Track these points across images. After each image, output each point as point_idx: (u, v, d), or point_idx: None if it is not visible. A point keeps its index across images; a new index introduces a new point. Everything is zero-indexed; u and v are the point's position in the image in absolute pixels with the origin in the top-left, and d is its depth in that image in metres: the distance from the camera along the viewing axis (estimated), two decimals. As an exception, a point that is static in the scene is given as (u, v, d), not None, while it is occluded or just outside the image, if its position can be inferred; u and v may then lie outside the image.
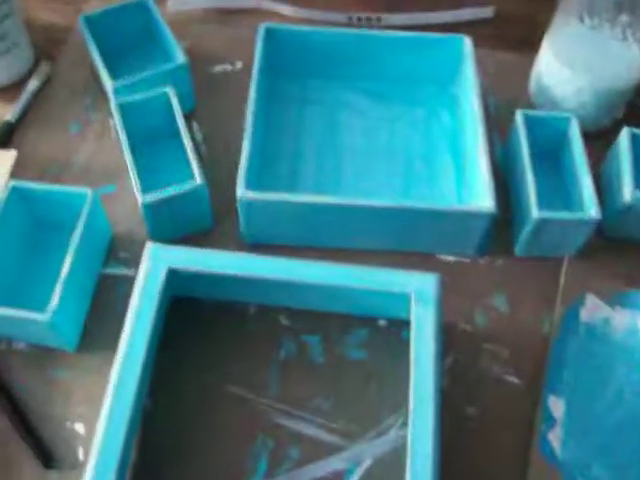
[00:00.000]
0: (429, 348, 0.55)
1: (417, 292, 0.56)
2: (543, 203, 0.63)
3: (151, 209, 0.63)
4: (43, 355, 0.61)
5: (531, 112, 0.68)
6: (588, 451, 0.58)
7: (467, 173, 0.69)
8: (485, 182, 0.63)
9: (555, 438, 0.58)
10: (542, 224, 0.62)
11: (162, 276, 0.57)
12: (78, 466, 0.56)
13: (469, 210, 0.63)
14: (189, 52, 0.78)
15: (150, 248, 0.58)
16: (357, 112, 0.76)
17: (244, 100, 0.69)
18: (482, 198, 0.63)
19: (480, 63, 0.73)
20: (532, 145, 0.67)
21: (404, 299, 0.57)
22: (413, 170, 0.71)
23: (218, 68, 0.80)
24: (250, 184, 0.63)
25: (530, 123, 0.67)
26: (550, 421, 0.58)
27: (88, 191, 0.62)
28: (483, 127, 0.67)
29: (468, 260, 0.67)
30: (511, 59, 0.82)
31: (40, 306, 0.58)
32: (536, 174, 0.65)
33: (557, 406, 0.59)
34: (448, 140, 0.73)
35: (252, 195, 0.62)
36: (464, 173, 0.70)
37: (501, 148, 0.74)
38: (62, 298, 0.57)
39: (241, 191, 0.61)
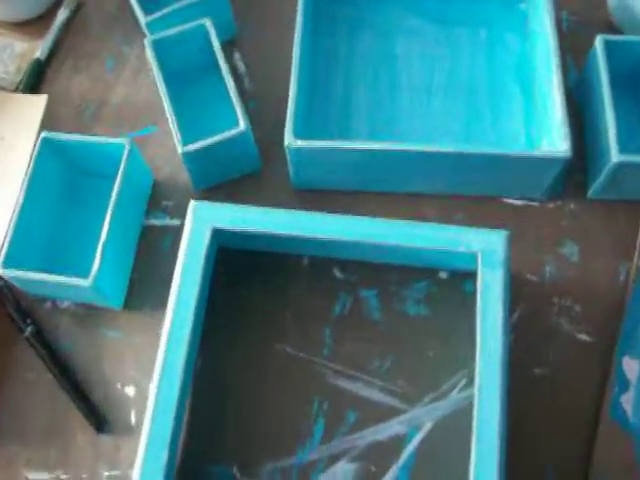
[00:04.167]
0: (497, 311, 0.50)
1: (484, 252, 0.51)
2: (624, 144, 0.56)
3: (192, 158, 0.58)
4: (90, 314, 0.59)
5: (613, 37, 0.60)
6: (664, 416, 0.54)
7: (537, 107, 0.62)
8: (559, 121, 0.57)
9: (628, 402, 0.54)
10: (622, 168, 0.56)
11: (208, 235, 0.53)
12: (131, 430, 0.56)
13: (541, 156, 0.56)
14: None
15: (193, 206, 0.54)
16: (414, 36, 0.68)
17: (289, 23, 0.63)
18: (555, 139, 0.57)
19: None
20: (612, 73, 0.59)
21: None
22: (476, 104, 0.65)
23: (260, -11, 0.73)
24: (298, 129, 0.57)
25: (611, 49, 0.59)
26: (623, 384, 0.55)
27: (125, 142, 0.57)
28: (557, 54, 0.60)
29: (537, 204, 0.62)
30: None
31: (83, 264, 0.56)
32: (616, 109, 0.58)
33: (631, 368, 0.55)
34: (515, 68, 0.66)
35: (301, 143, 0.56)
36: (534, 107, 0.63)
37: (575, 75, 0.67)
38: (104, 259, 0.54)
39: (289, 139, 0.56)
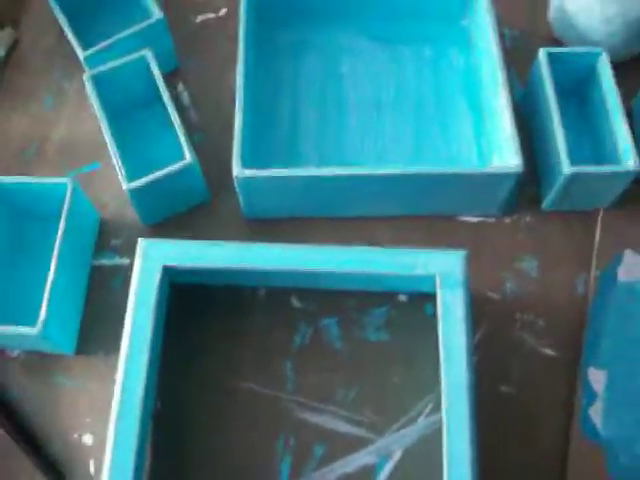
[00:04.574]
0: (459, 332, 0.49)
1: (443, 274, 0.51)
2: (574, 155, 0.56)
3: (138, 193, 0.57)
4: (41, 362, 0.57)
5: (555, 49, 0.60)
6: (632, 426, 0.53)
7: (486, 123, 0.62)
8: (509, 136, 0.56)
9: (596, 413, 0.54)
10: (574, 179, 0.56)
11: (158, 274, 0.52)
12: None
13: (493, 172, 0.56)
14: (166, 1, 0.70)
15: (142, 245, 0.52)
16: (359, 58, 0.67)
17: (232, 52, 0.62)
18: (506, 154, 0.57)
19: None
20: (557, 85, 0.59)
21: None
22: (425, 121, 0.64)
23: (200, 17, 0.72)
24: (246, 158, 0.56)
25: (554, 61, 0.60)
26: (591, 395, 0.54)
27: (68, 182, 0.55)
28: (502, 68, 0.59)
29: (493, 219, 0.61)
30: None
31: (30, 311, 0.53)
32: (563, 120, 0.57)
33: (598, 379, 0.55)
34: (462, 84, 0.66)
35: (249, 173, 0.55)
36: (483, 123, 0.63)
37: (520, 89, 0.67)
38: (51, 306, 0.52)
39: (237, 170, 0.55)
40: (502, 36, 0.68)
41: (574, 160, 0.56)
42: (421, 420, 0.54)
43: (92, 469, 0.54)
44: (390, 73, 0.67)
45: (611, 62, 0.60)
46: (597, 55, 0.60)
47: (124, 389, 0.49)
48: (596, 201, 0.60)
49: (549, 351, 0.56)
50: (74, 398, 0.56)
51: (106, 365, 0.56)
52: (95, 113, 0.60)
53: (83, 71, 0.63)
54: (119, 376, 0.49)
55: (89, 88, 0.60)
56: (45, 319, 0.51)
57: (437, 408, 0.53)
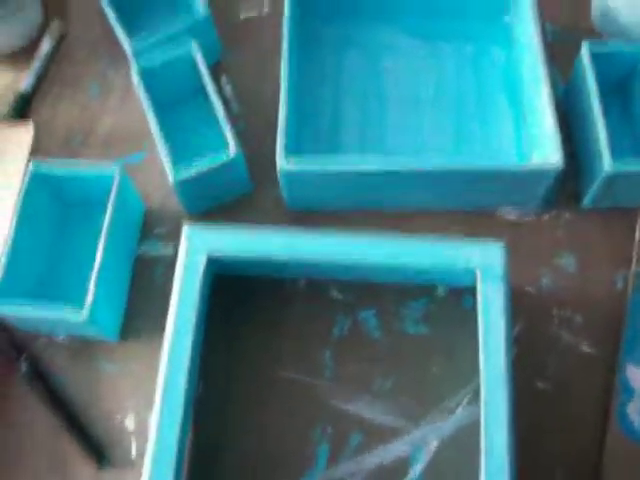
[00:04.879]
0: (499, 325, 0.50)
1: (483, 267, 0.51)
2: (615, 152, 0.56)
3: (184, 185, 0.58)
4: (86, 347, 0.58)
5: (598, 45, 0.60)
6: (671, 424, 0.54)
7: (527, 119, 0.62)
8: (550, 132, 0.57)
9: (634, 411, 0.54)
10: (615, 177, 0.56)
11: (202, 261, 0.53)
12: (132, 463, 0.54)
13: (533, 168, 0.56)
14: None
15: (187, 231, 0.53)
16: (400, 54, 0.68)
17: (275, 47, 0.63)
18: (547, 150, 0.57)
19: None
20: (599, 81, 0.59)
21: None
22: (465, 118, 0.64)
23: (244, 15, 0.73)
24: (290, 149, 0.57)
25: (597, 57, 0.60)
26: (628, 393, 0.54)
27: (115, 169, 0.57)
28: (544, 64, 0.59)
29: (531, 216, 0.62)
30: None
31: (76, 297, 0.55)
32: (606, 117, 0.58)
33: (636, 376, 0.55)
34: (502, 80, 0.66)
35: (293, 165, 0.56)
36: (523, 119, 0.63)
37: (562, 85, 0.67)
38: (98, 291, 0.53)
39: (281, 161, 0.56)
40: (543, 31, 0.68)
41: (616, 157, 0.56)
42: (458, 411, 0.54)
43: (134, 452, 0.55)
44: (430, 70, 0.67)
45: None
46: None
47: (167, 375, 0.50)
48: (637, 199, 0.60)
49: (586, 348, 0.57)
50: (116, 382, 0.57)
51: (148, 351, 0.57)
52: (140, 103, 0.61)
53: (128, 62, 0.64)
54: (163, 361, 0.50)
55: (137, 81, 0.61)
56: (91, 304, 0.52)
57: (474, 400, 0.54)
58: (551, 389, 0.55)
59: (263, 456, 0.54)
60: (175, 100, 0.65)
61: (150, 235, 0.62)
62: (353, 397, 0.55)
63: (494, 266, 0.51)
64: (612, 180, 0.56)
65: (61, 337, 0.59)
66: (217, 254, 0.53)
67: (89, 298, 0.53)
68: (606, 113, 0.58)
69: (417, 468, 0.53)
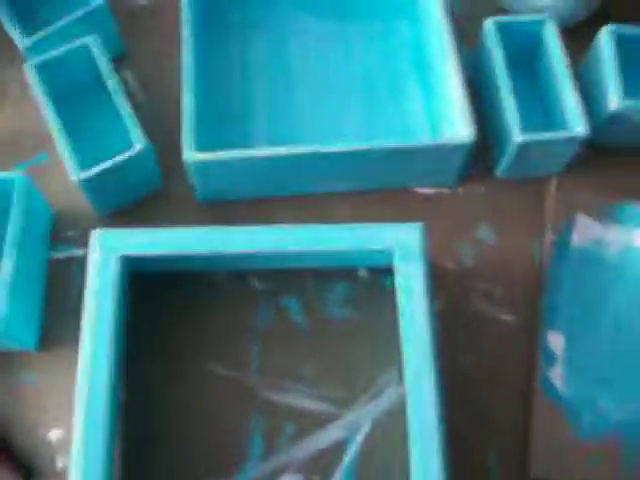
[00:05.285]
0: (419, 306, 0.50)
1: (400, 247, 0.51)
2: (523, 123, 0.57)
3: (89, 184, 0.56)
4: (4, 358, 0.56)
5: (502, 19, 0.61)
6: (592, 385, 0.55)
7: (437, 94, 0.62)
8: (459, 106, 0.57)
9: (557, 375, 0.55)
10: (525, 147, 0.57)
11: (115, 264, 0.51)
12: (59, 476, 0.53)
13: (444, 143, 0.56)
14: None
15: (96, 236, 0.52)
16: (307, 33, 0.67)
17: (178, 34, 0.61)
18: (457, 124, 0.57)
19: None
20: (505, 54, 0.59)
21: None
22: (376, 98, 0.64)
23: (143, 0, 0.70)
24: (197, 140, 0.55)
25: (501, 30, 0.60)
26: (550, 358, 0.55)
27: (16, 175, 0.54)
28: (450, 36, 0.59)
29: (448, 190, 0.62)
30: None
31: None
32: (514, 88, 0.58)
33: (556, 342, 0.56)
34: (411, 57, 0.66)
35: (200, 156, 0.55)
36: (433, 94, 0.63)
37: (468, 55, 0.67)
38: (10, 301, 0.51)
39: (187, 153, 0.54)
40: (451, 7, 0.68)
41: (525, 128, 0.57)
42: (388, 392, 0.54)
43: (60, 464, 0.53)
44: (338, 51, 0.66)
45: (557, 27, 0.61)
46: (543, 22, 0.61)
47: (88, 382, 0.48)
48: (548, 167, 0.61)
49: (509, 317, 0.58)
50: (39, 394, 0.55)
51: (70, 359, 0.54)
52: (39, 103, 0.58)
53: (24, 60, 0.61)
54: (82, 369, 0.49)
55: (32, 78, 0.58)
56: (4, 316, 0.50)
57: (401, 380, 0.54)
58: (477, 361, 0.56)
59: (197, 454, 0.53)
60: (75, 96, 0.62)
61: (62, 239, 0.60)
62: (283, 387, 0.55)
63: (411, 246, 0.51)
64: (522, 150, 0.57)
65: (-24, 351, 0.56)
66: (130, 254, 0.52)
67: (1, 309, 0.51)
68: (514, 85, 0.59)
69: (351, 451, 0.53)
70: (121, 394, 0.53)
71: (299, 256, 0.54)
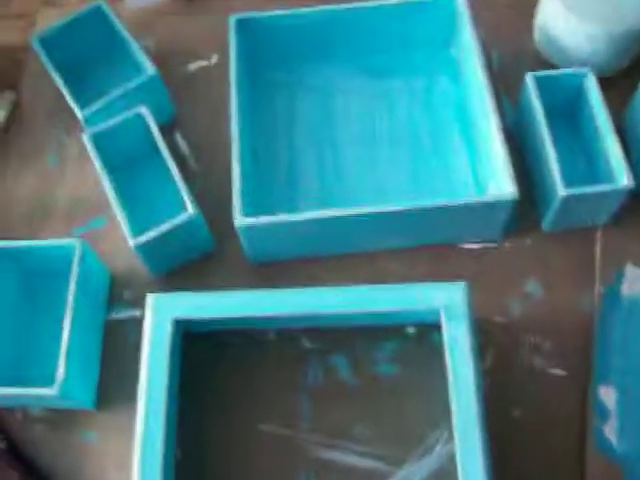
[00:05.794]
0: (466, 363, 0.50)
1: (447, 307, 0.52)
2: (567, 175, 0.57)
3: (144, 248, 0.58)
4: (63, 418, 0.58)
5: (542, 73, 0.61)
6: (649, 440, 0.54)
7: (480, 151, 0.63)
8: (502, 163, 0.57)
9: (611, 431, 0.54)
10: (569, 200, 0.57)
11: (170, 326, 0.53)
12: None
13: (489, 201, 0.57)
14: (158, 50, 0.72)
15: (151, 300, 0.54)
16: (351, 92, 0.69)
17: (227, 98, 0.63)
18: (501, 181, 0.57)
19: (477, 15, 0.65)
20: (545, 106, 0.60)
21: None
22: (420, 153, 0.65)
23: (193, 66, 0.73)
24: (247, 205, 0.57)
25: (542, 84, 0.61)
26: (603, 413, 0.55)
27: (75, 242, 0.57)
28: (490, 96, 0.60)
29: (494, 245, 0.62)
30: (509, 3, 0.74)
31: (47, 369, 0.55)
32: (556, 142, 0.58)
33: (609, 396, 0.55)
34: (454, 113, 0.67)
35: (250, 221, 0.56)
36: (477, 151, 0.64)
37: (511, 109, 0.68)
38: (68, 364, 0.53)
39: (239, 219, 0.56)
40: (490, 60, 0.70)
41: (568, 181, 0.57)
42: (438, 449, 0.54)
43: (120, 522, 0.55)
44: (382, 107, 0.68)
45: (598, 77, 0.61)
46: (584, 75, 0.61)
47: (144, 442, 0.50)
48: (594, 219, 0.61)
49: (559, 371, 0.57)
50: (97, 452, 0.57)
51: (128, 417, 0.57)
52: (96, 170, 0.61)
53: (83, 127, 0.65)
54: (138, 430, 0.50)
55: (89, 147, 0.61)
56: (63, 379, 0.52)
57: (452, 437, 0.54)
58: (527, 415, 0.56)
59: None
60: (130, 162, 0.65)
61: (119, 300, 0.62)
62: (333, 445, 0.55)
63: (457, 305, 0.52)
64: (567, 203, 0.57)
65: (37, 410, 0.58)
66: (183, 317, 0.53)
67: (60, 372, 0.53)
68: (556, 137, 0.59)
69: (403, 509, 0.53)
70: (176, 452, 0.55)
71: (348, 316, 0.55)
